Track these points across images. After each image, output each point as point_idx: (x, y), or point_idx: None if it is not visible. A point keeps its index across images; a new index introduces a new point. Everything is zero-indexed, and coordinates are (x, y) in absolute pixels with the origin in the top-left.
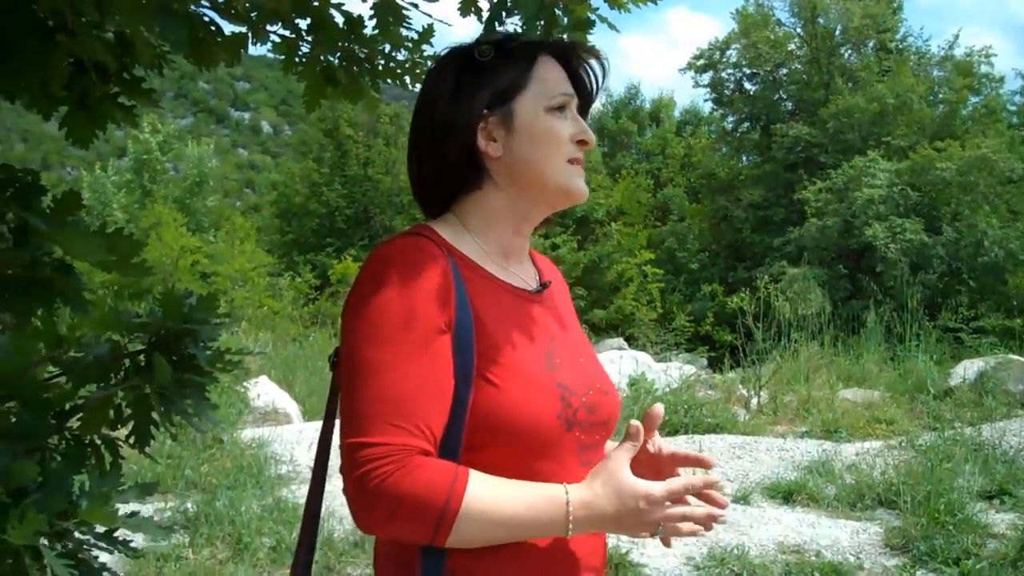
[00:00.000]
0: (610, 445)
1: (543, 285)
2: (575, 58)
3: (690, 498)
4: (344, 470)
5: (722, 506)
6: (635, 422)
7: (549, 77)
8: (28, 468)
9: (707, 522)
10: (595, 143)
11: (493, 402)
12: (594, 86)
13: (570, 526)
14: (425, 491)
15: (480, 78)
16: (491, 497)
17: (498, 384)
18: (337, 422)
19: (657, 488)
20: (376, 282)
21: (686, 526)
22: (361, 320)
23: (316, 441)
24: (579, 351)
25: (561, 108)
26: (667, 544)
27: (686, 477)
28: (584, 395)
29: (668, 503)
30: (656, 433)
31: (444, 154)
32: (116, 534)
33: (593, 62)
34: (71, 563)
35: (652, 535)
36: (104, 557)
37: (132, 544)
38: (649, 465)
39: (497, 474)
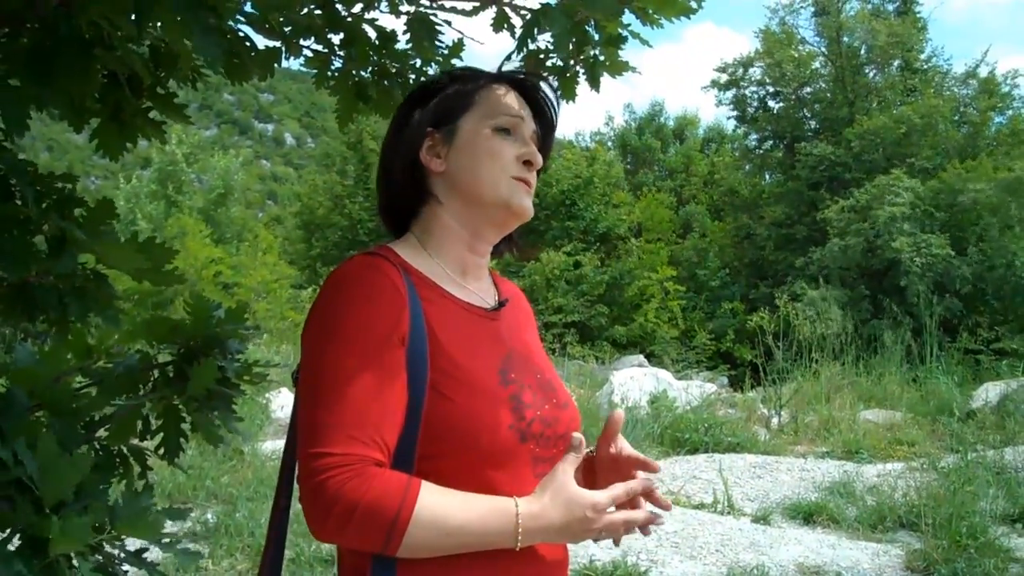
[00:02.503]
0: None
1: (500, 303)
2: (529, 87)
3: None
4: (300, 479)
5: (665, 507)
6: (577, 434)
7: (497, 99)
8: (80, 459)
9: (646, 524)
10: (540, 164)
11: (446, 414)
12: (552, 113)
13: (519, 538)
14: (378, 500)
15: (429, 100)
16: (441, 507)
17: (451, 397)
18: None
19: (602, 496)
20: (332, 300)
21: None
22: (318, 336)
23: None
24: (538, 368)
25: (508, 130)
26: (617, 544)
27: (627, 483)
28: (540, 408)
29: (611, 509)
30: (620, 436)
31: (391, 171)
32: (145, 555)
33: (545, 88)
34: None
35: (595, 540)
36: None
37: (158, 567)
38: (612, 466)
39: (451, 483)
